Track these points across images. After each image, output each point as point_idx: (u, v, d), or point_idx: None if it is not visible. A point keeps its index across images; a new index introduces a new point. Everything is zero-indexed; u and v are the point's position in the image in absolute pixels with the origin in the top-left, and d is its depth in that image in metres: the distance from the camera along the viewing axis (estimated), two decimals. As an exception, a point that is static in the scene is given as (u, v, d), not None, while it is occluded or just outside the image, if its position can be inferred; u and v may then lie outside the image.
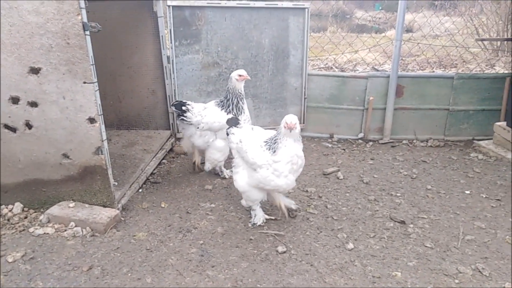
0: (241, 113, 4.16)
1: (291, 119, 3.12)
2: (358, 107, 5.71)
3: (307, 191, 4.14)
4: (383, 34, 12.23)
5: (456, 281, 2.82)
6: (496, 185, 4.25)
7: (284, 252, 3.16)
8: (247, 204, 3.59)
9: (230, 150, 3.97)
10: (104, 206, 3.60)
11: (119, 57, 5.19)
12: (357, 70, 7.41)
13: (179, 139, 5.46)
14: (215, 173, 4.53)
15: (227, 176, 4.48)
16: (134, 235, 3.36)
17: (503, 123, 5.18)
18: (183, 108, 4.24)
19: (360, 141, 5.65)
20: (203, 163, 4.53)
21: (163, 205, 3.86)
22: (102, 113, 3.41)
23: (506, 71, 6.65)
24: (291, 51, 5.52)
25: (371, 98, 5.58)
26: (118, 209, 3.63)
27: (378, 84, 5.59)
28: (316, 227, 3.51)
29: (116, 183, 3.75)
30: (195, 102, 5.37)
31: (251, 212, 3.59)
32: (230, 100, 4.14)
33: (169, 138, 5.36)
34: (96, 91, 3.32)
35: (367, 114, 5.66)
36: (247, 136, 3.48)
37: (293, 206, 3.63)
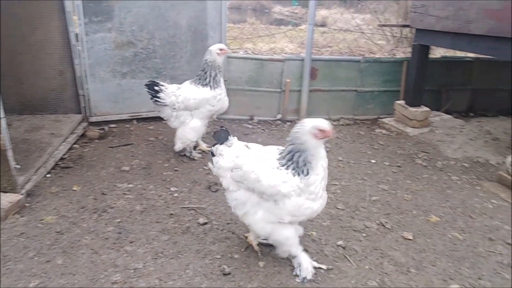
0: (217, 86, 4.11)
1: (326, 125, 2.34)
2: (276, 90, 5.90)
3: (228, 167, 4.18)
4: (299, 27, 12.82)
5: (364, 234, 3.09)
6: (396, 154, 4.72)
7: (206, 223, 3.17)
8: (284, 254, 2.63)
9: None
10: (5, 192, 3.26)
11: (18, 33, 4.69)
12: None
13: (92, 123, 5.14)
14: (181, 154, 4.39)
15: (196, 158, 4.35)
16: (42, 219, 3.10)
17: (402, 102, 5.76)
18: (156, 88, 4.03)
19: (278, 122, 5.86)
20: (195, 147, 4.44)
21: (75, 188, 3.61)
22: (-2, 87, 3.07)
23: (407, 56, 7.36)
24: (209, 33, 5.50)
25: (287, 80, 5.81)
26: (21, 194, 3.31)
27: (293, 67, 5.83)
28: (237, 199, 3.56)
29: (19, 166, 3.40)
30: (109, 83, 5.17)
31: (292, 261, 2.65)
32: (208, 72, 4.07)
33: (80, 122, 5.01)
34: (-11, 61, 2.97)
35: (285, 96, 5.88)
36: (248, 158, 2.55)
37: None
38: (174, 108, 4.10)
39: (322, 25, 13.61)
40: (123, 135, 4.93)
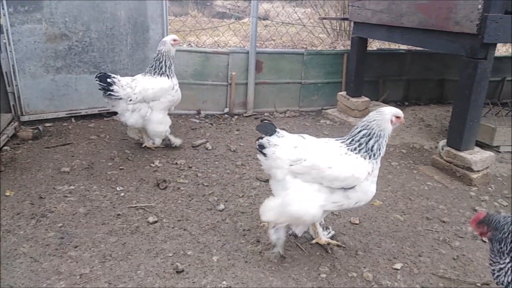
0: (173, 75, 4.16)
1: (401, 112, 2.53)
2: (222, 83, 5.85)
3: (176, 163, 4.08)
4: (242, 21, 12.85)
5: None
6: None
7: (156, 221, 3.07)
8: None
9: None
10: None
11: None
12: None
13: (24, 123, 4.75)
14: (166, 144, 4.41)
15: (178, 144, 4.39)
16: (-29, 229, 2.82)
17: (343, 93, 6.00)
18: (108, 80, 3.77)
19: (226, 115, 5.83)
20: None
21: (8, 194, 3.32)
22: None
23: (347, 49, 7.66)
24: (150, 25, 5.31)
25: (233, 73, 5.79)
26: None
27: (239, 60, 5.82)
28: (187, 195, 3.50)
29: None
30: (42, 79, 4.81)
31: (273, 236, 2.66)
32: (164, 62, 4.04)
33: (10, 122, 4.60)
34: None
35: (231, 89, 5.85)
36: (309, 148, 2.52)
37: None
38: (131, 100, 3.91)
39: (265, 18, 13.75)
40: (60, 135, 4.62)
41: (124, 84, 3.88)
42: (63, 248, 2.70)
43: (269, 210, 2.61)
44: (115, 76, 3.88)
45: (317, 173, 2.44)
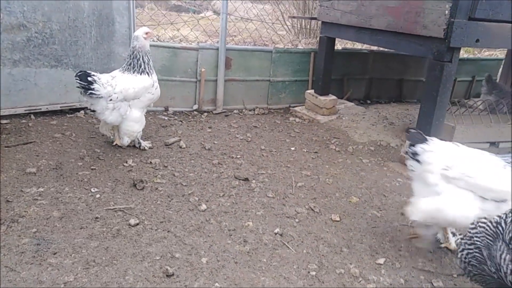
0: (153, 72, 4.06)
1: None
2: (191, 79, 5.74)
3: (151, 162, 3.96)
4: (201, 15, 12.66)
5: (296, 220, 3.24)
6: (312, 141, 5.02)
7: (137, 224, 2.97)
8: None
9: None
10: None
11: None
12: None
13: (-23, 120, 4.37)
14: (133, 146, 4.25)
15: (146, 148, 4.24)
16: None
17: (311, 91, 6.12)
18: (89, 79, 3.56)
19: (195, 112, 5.73)
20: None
21: (-32, 198, 3.05)
22: None
23: (311, 47, 7.81)
24: (116, 18, 5.08)
25: (202, 70, 5.70)
26: None
27: (208, 56, 5.73)
28: (166, 195, 3.42)
29: None
30: (-4, 72, 4.45)
31: (424, 232, 2.96)
32: (141, 59, 3.93)
33: (-38, 118, 4.21)
34: None
35: (200, 86, 5.76)
36: (464, 155, 2.68)
37: None
38: (111, 100, 3.74)
39: (228, 14, 13.63)
40: (20, 133, 4.30)
41: (104, 82, 3.70)
42: (40, 255, 2.53)
43: (421, 211, 2.73)
44: (95, 74, 3.68)
45: (470, 181, 2.55)
